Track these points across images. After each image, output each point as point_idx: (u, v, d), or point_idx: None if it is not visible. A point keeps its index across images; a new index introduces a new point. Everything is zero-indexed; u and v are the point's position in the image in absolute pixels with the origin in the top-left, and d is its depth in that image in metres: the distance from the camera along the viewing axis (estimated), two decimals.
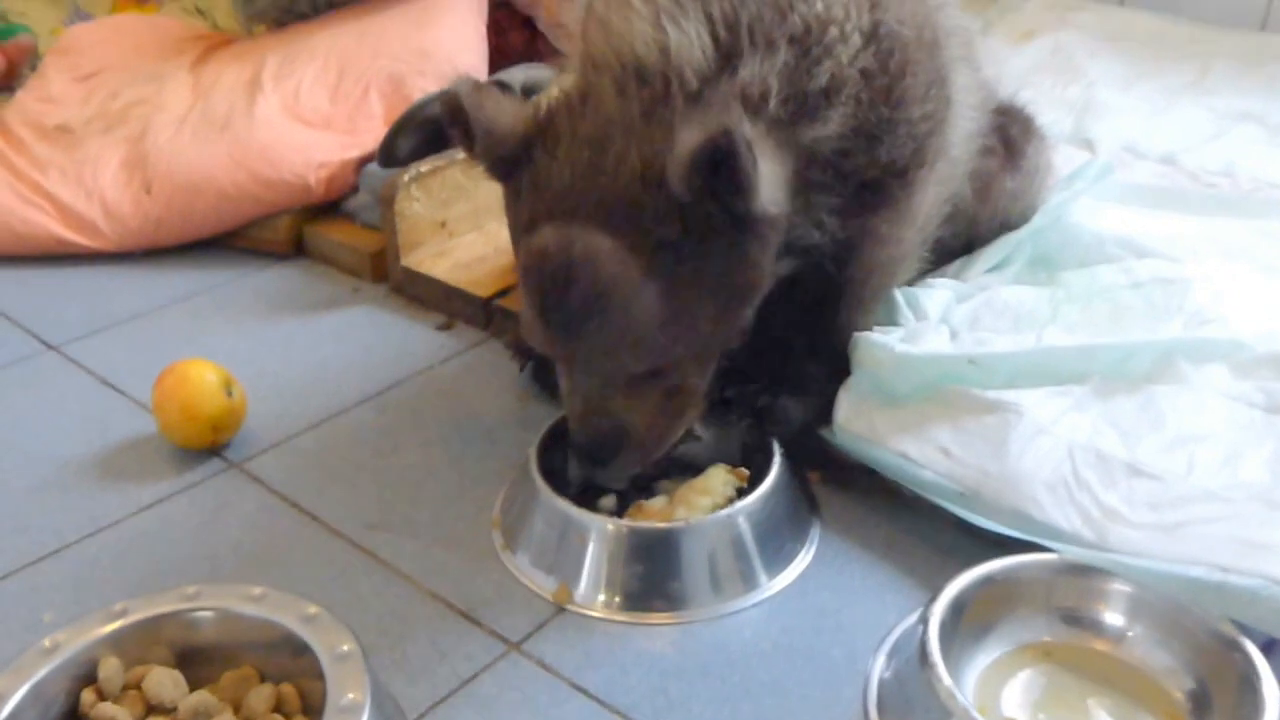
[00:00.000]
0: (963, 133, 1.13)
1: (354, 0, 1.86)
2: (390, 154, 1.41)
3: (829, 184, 0.99)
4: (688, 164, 0.83)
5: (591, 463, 1.01)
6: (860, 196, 1.02)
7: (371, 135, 1.59)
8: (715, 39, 0.91)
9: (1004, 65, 1.64)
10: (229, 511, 1.12)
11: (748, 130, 0.83)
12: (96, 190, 1.64)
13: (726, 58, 0.91)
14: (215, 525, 1.10)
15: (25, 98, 1.85)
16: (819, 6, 0.94)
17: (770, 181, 0.88)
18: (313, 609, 0.82)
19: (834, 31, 0.94)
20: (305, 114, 1.67)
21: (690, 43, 0.90)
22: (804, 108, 0.94)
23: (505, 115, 0.94)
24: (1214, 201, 1.48)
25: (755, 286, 0.96)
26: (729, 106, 0.87)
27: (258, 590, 0.84)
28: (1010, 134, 1.26)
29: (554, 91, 0.97)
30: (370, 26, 1.77)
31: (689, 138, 0.83)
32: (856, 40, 0.95)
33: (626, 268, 0.88)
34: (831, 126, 0.95)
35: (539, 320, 0.93)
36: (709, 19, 0.91)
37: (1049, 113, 1.69)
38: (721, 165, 0.83)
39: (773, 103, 0.91)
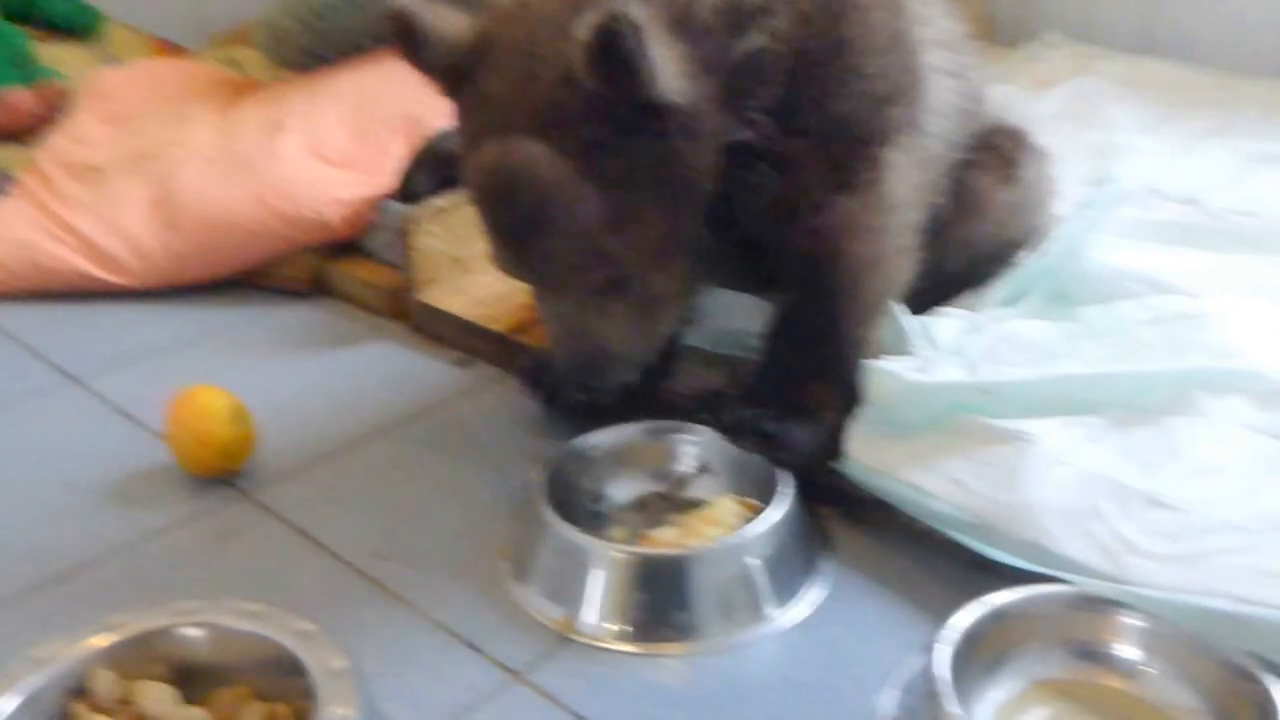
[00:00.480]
0: (943, 120, 1.12)
1: (379, 45, 1.90)
2: (408, 189, 1.44)
3: (764, 95, 0.99)
4: (585, 48, 0.86)
5: (583, 383, 1.04)
6: (828, 171, 1.02)
7: (390, 173, 1.61)
8: None
9: (1024, 111, 1.64)
10: (237, 539, 1.12)
11: (637, 14, 0.85)
12: (122, 227, 1.67)
13: None
14: (223, 552, 1.10)
15: (57, 138, 1.90)
16: None
17: (668, 67, 0.89)
18: (308, 626, 0.81)
19: None
20: (327, 153, 1.70)
21: None
22: (734, 21, 0.95)
23: (451, 26, 0.96)
24: (1234, 238, 1.46)
25: (696, 185, 0.97)
26: None
27: (253, 606, 0.84)
28: (1003, 148, 1.25)
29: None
30: (393, 70, 1.78)
31: (583, 25, 0.85)
32: None
33: (562, 171, 0.90)
34: (758, 42, 0.96)
35: (495, 240, 0.96)
36: None
37: (1070, 156, 1.69)
38: (609, 49, 0.84)
39: (704, 9, 0.93)
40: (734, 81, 0.96)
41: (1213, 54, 2.23)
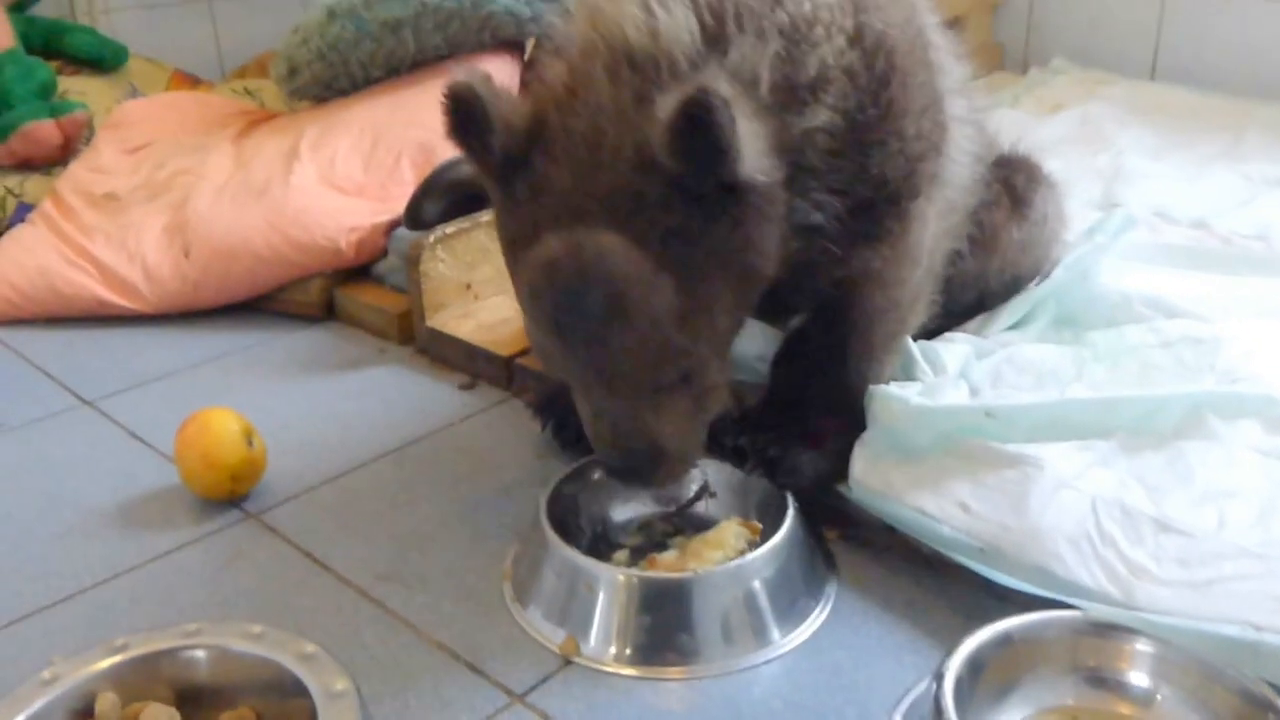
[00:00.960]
0: (961, 166, 1.12)
1: (391, 76, 1.92)
2: (416, 216, 1.45)
3: (824, 171, 0.97)
4: (669, 127, 0.82)
5: (635, 481, 0.99)
6: (857, 223, 1.00)
7: (402, 201, 1.61)
8: (702, 24, 0.90)
9: (1032, 136, 1.65)
10: (243, 560, 1.12)
11: (724, 89, 0.81)
12: (138, 254, 1.69)
13: (713, 43, 0.90)
14: (228, 573, 1.10)
15: (77, 168, 1.93)
16: (806, 6, 0.94)
17: (752, 145, 0.85)
18: (310, 647, 0.81)
19: (819, 30, 0.94)
20: (340, 181, 1.72)
21: (679, 26, 0.89)
22: (793, 98, 0.93)
23: (515, 111, 0.91)
24: (1243, 262, 1.46)
25: (763, 269, 0.94)
26: (709, 73, 0.86)
27: (257, 628, 0.84)
28: (1015, 183, 1.25)
29: (537, 84, 0.96)
30: (405, 99, 1.83)
31: (667, 103, 0.82)
32: (840, 40, 0.95)
33: (639, 263, 0.85)
34: (821, 118, 0.94)
35: (554, 339, 0.90)
36: (695, 4, 0.91)
37: (1078, 181, 1.69)
38: (698, 125, 0.81)
39: (762, 88, 0.90)
40: (799, 160, 0.93)
41: (1219, 79, 2.23)
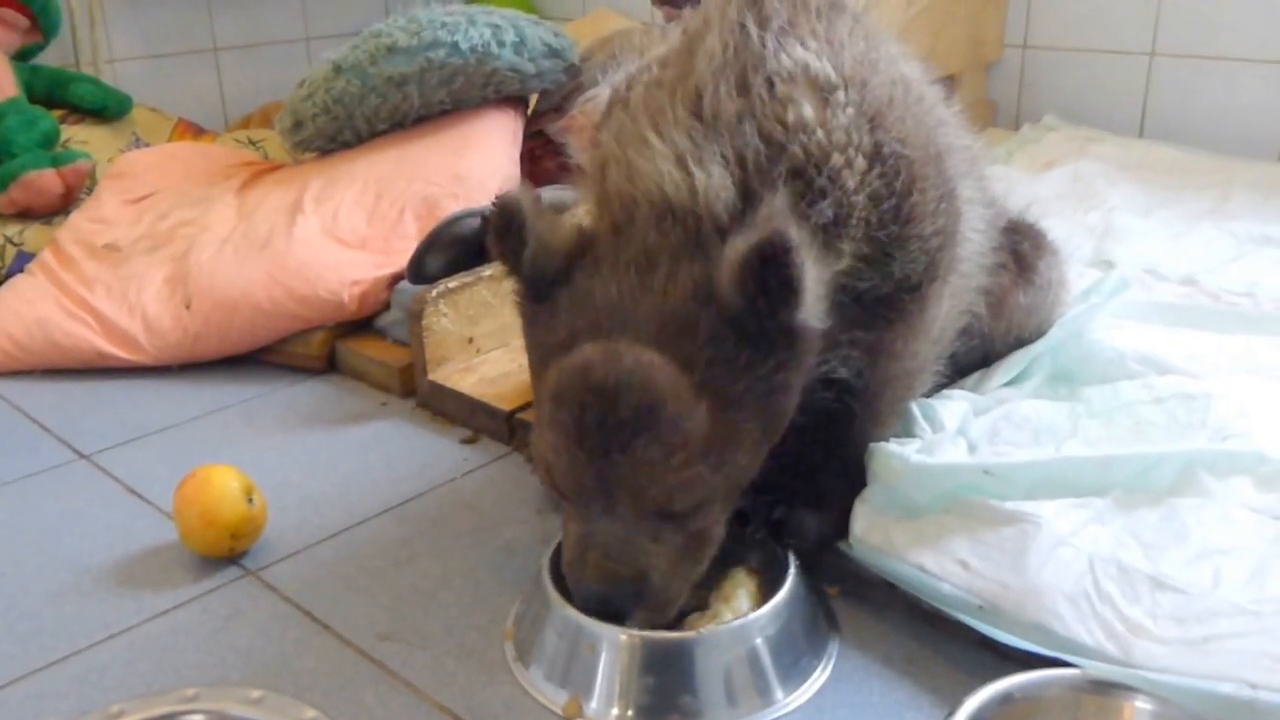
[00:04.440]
0: (972, 244, 1.14)
1: (395, 129, 1.95)
2: (419, 270, 1.46)
3: (847, 309, 0.98)
4: (740, 265, 0.83)
5: (607, 612, 0.95)
6: (874, 310, 1.01)
7: (405, 254, 1.64)
8: (734, 178, 0.92)
9: (1024, 193, 1.68)
10: (241, 619, 1.12)
11: (796, 235, 0.83)
12: (139, 306, 1.70)
13: (746, 196, 0.92)
14: (226, 632, 1.10)
15: (78, 218, 1.94)
16: (819, 134, 0.94)
17: (815, 290, 0.87)
18: (310, 713, 0.81)
19: (838, 159, 0.94)
20: (343, 234, 1.74)
21: (716, 184, 0.91)
22: (822, 239, 0.93)
23: (556, 230, 0.93)
24: (1235, 319, 1.48)
25: (789, 412, 0.94)
26: (778, 213, 0.86)
27: (256, 693, 0.83)
28: (1022, 250, 1.28)
29: (583, 217, 0.97)
30: (408, 152, 1.86)
31: (741, 240, 0.83)
32: (861, 163, 0.95)
33: (679, 383, 0.85)
34: (845, 260, 0.95)
35: (571, 444, 0.88)
36: (724, 159, 0.92)
37: (1070, 237, 1.72)
38: (772, 265, 0.82)
39: (804, 230, 0.90)
40: (830, 304, 0.94)
41: (1207, 137, 2.28)
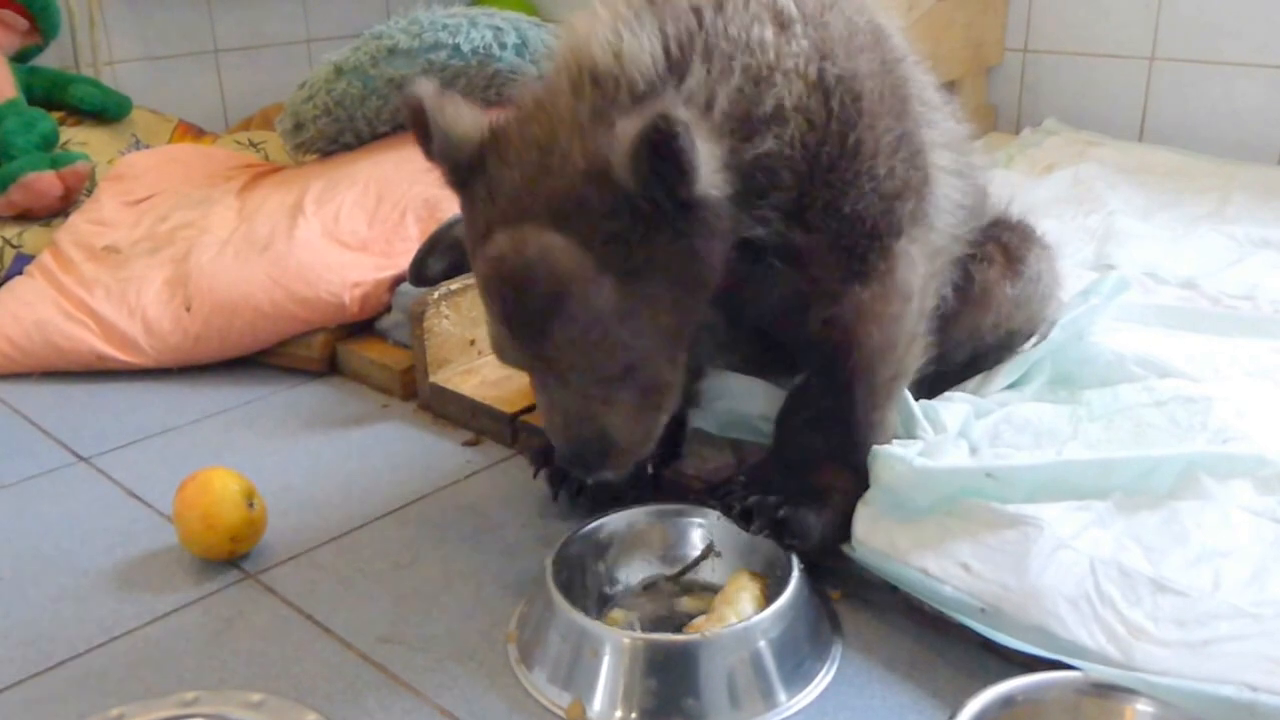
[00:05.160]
0: (947, 215, 1.15)
1: (396, 130, 1.95)
2: (420, 273, 1.46)
3: (772, 191, 1.01)
4: (630, 150, 0.87)
5: (583, 469, 1.04)
6: (843, 264, 1.04)
7: (406, 256, 1.63)
8: (666, 51, 0.96)
9: (1025, 196, 1.68)
10: (242, 622, 1.12)
11: (685, 114, 0.86)
12: (139, 308, 1.70)
13: (674, 70, 0.96)
14: (227, 636, 1.10)
15: (78, 220, 1.94)
16: (771, 55, 0.99)
17: (709, 164, 0.90)
18: (311, 716, 0.81)
19: (779, 76, 0.99)
20: (344, 236, 1.74)
21: (641, 49, 0.95)
22: (744, 127, 0.97)
23: (463, 121, 0.98)
24: (1234, 322, 1.48)
25: (706, 279, 0.98)
26: (667, 97, 0.91)
27: (256, 697, 0.83)
28: (1008, 242, 1.28)
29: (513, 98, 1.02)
30: (410, 155, 1.83)
31: (629, 126, 0.87)
32: (799, 85, 0.99)
33: (580, 264, 0.90)
34: (768, 145, 0.98)
35: (504, 330, 0.96)
36: (663, 34, 0.97)
37: (1070, 241, 1.72)
38: (662, 148, 0.86)
39: (715, 114, 0.95)
40: (746, 181, 0.98)
41: (1207, 141, 2.28)
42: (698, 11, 0.99)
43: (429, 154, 1.00)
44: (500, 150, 0.96)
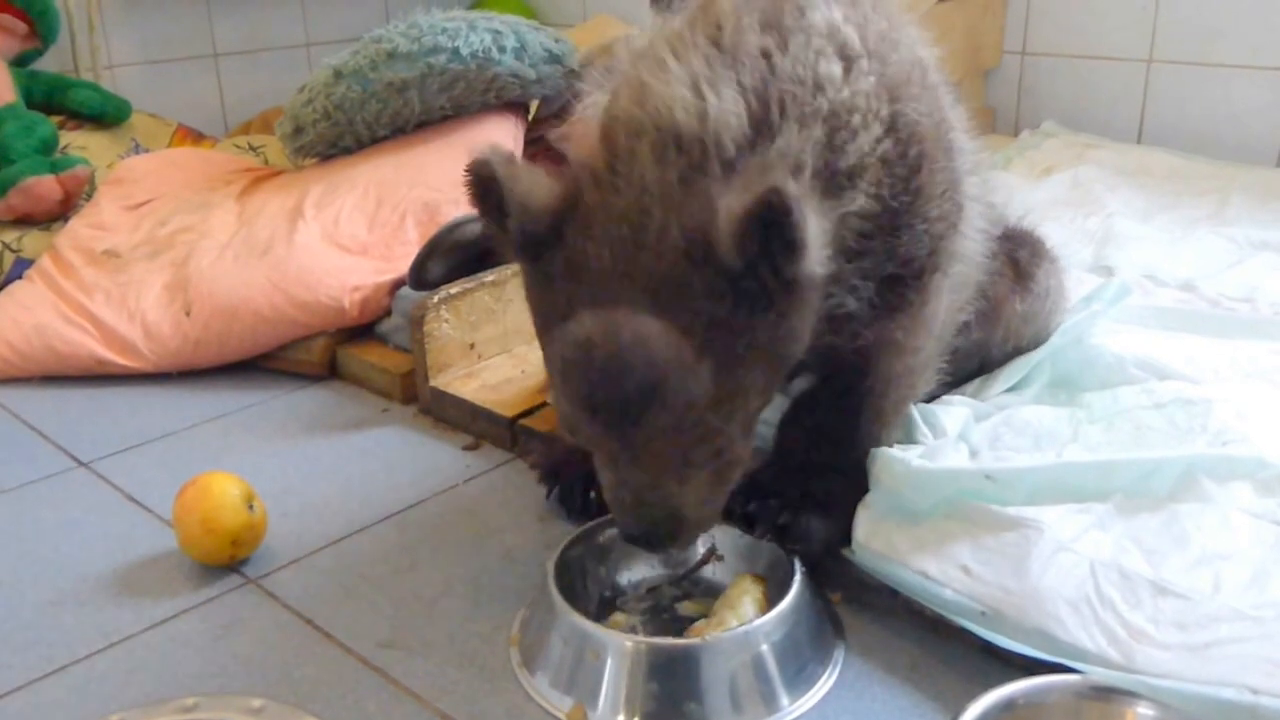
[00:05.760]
0: (972, 241, 1.14)
1: (396, 134, 1.95)
2: (420, 276, 1.46)
3: (859, 256, 0.98)
4: (739, 226, 0.81)
5: (648, 546, 1.00)
6: (881, 298, 1.01)
7: (406, 260, 1.64)
8: (749, 109, 0.90)
9: (1024, 198, 1.68)
10: (242, 627, 1.11)
11: (794, 187, 0.81)
12: (138, 312, 1.70)
13: (759, 128, 0.90)
14: (227, 641, 1.09)
15: (77, 224, 1.94)
16: (845, 93, 0.94)
17: (818, 239, 0.85)
18: None
19: (858, 118, 0.94)
20: (344, 240, 1.74)
21: (726, 110, 0.89)
22: (832, 184, 0.93)
23: (539, 189, 0.91)
24: (1234, 324, 1.48)
25: (797, 354, 0.94)
26: (772, 166, 0.84)
27: (257, 702, 0.83)
28: (1019, 257, 1.28)
29: (574, 164, 0.95)
30: (409, 158, 1.86)
31: (736, 201, 0.81)
32: (877, 128, 0.96)
33: (680, 350, 0.84)
34: (858, 203, 0.94)
35: (585, 414, 0.89)
36: (741, 88, 0.90)
37: (1069, 243, 1.72)
38: (774, 225, 0.80)
39: (806, 174, 0.90)
40: (837, 245, 0.94)
41: (1205, 143, 2.29)
42: (767, 56, 0.93)
43: (500, 226, 0.92)
44: (582, 222, 0.89)
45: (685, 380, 0.85)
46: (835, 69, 0.94)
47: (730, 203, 0.82)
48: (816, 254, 0.85)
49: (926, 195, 0.99)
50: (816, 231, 0.85)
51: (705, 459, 0.93)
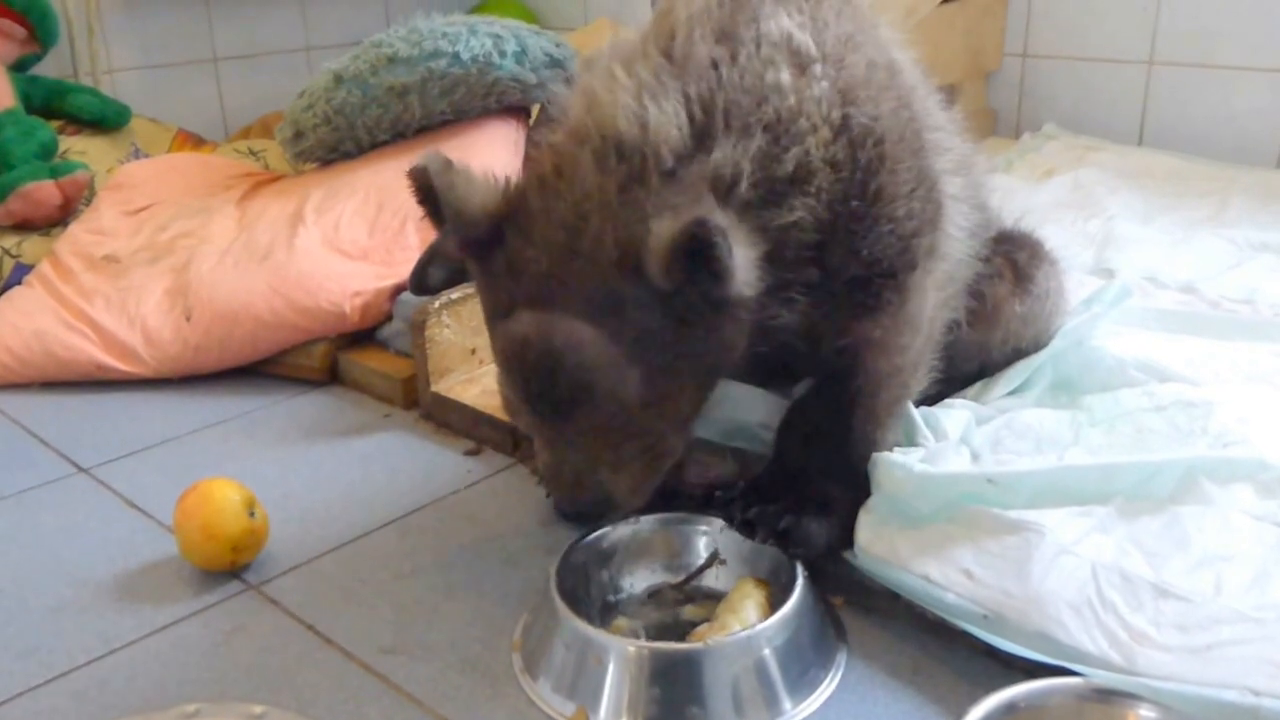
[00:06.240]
0: (957, 241, 1.15)
1: (396, 139, 1.95)
2: (421, 282, 1.45)
3: (801, 266, 0.99)
4: (666, 255, 0.86)
5: (578, 521, 1.08)
6: (852, 297, 1.03)
7: (407, 265, 1.62)
8: (691, 119, 0.93)
9: (1025, 201, 1.67)
10: (243, 634, 1.11)
11: (721, 218, 0.85)
12: (138, 318, 1.70)
13: (700, 138, 0.93)
14: (228, 647, 1.09)
15: (77, 229, 1.93)
16: (791, 100, 0.96)
17: (745, 266, 0.90)
18: None
19: (804, 123, 0.96)
20: (344, 245, 1.74)
21: (668, 121, 0.92)
22: (772, 193, 0.95)
23: (476, 195, 0.95)
24: (1234, 326, 1.48)
25: (728, 363, 0.99)
26: (701, 195, 0.89)
27: (258, 709, 0.83)
28: (1017, 259, 1.28)
29: (531, 156, 1.02)
30: (409, 162, 1.85)
31: (664, 228, 0.85)
32: (826, 133, 0.97)
33: (610, 356, 0.90)
34: (797, 214, 0.96)
35: (524, 405, 0.96)
36: (686, 99, 0.94)
37: (1070, 245, 1.72)
38: (698, 255, 0.85)
39: (743, 185, 0.93)
40: (775, 252, 0.95)
41: (1206, 145, 2.29)
42: (716, 66, 0.96)
43: (439, 226, 0.98)
44: (521, 224, 0.93)
45: (614, 384, 0.91)
46: (784, 77, 0.97)
47: (660, 229, 0.86)
48: (745, 277, 0.89)
49: (889, 196, 1.01)
50: (744, 259, 0.89)
51: (635, 453, 0.99)
